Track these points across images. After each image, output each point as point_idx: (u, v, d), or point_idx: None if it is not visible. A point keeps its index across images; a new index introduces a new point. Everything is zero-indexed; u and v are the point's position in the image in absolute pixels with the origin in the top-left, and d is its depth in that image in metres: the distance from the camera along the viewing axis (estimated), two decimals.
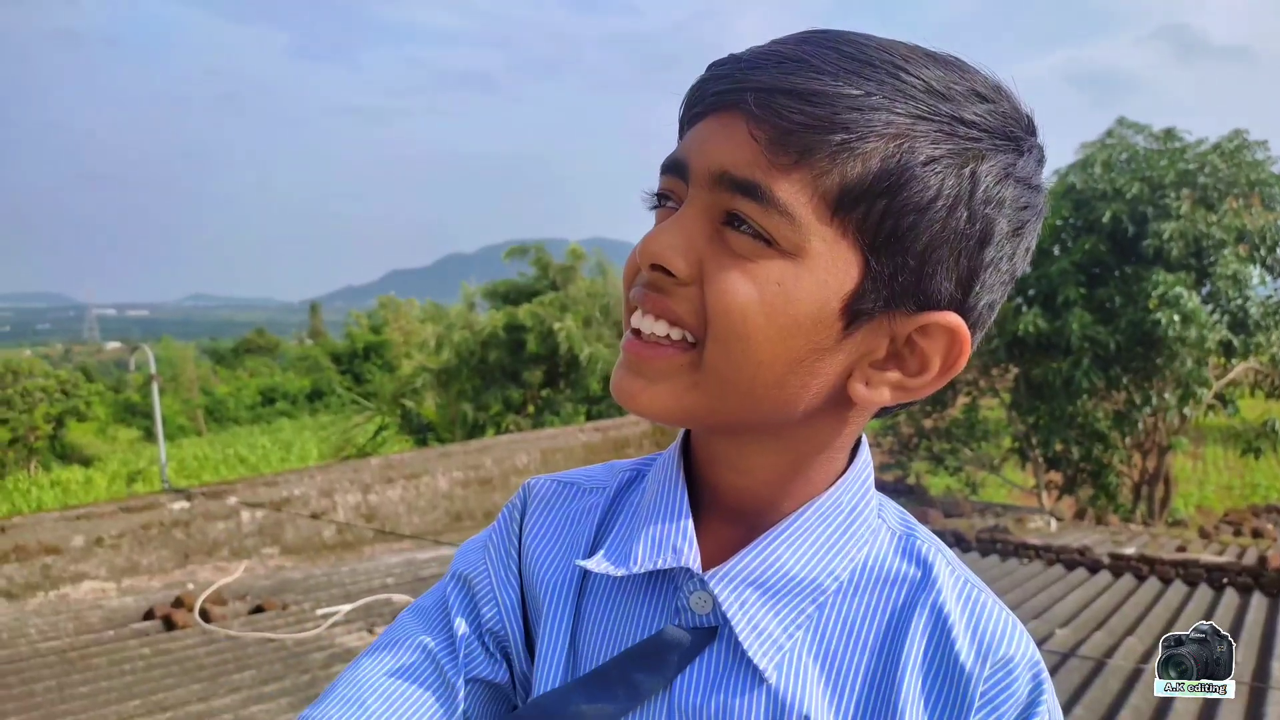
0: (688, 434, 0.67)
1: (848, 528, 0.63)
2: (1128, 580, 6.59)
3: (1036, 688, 0.60)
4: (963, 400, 12.46)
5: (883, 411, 0.64)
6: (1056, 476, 12.34)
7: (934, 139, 0.54)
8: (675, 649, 0.62)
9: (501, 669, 0.69)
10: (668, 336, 0.58)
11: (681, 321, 0.58)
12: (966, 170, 0.55)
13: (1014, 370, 11.85)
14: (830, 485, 0.64)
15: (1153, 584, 6.47)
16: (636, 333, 0.59)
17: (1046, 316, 10.81)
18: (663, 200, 0.61)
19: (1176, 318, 10.00)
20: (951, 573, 0.63)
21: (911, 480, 11.97)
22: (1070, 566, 7.02)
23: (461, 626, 0.68)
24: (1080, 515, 10.47)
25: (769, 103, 0.54)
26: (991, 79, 0.58)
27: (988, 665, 0.60)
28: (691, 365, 0.58)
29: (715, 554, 0.63)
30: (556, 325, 15.78)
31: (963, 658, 0.60)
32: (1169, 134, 11.45)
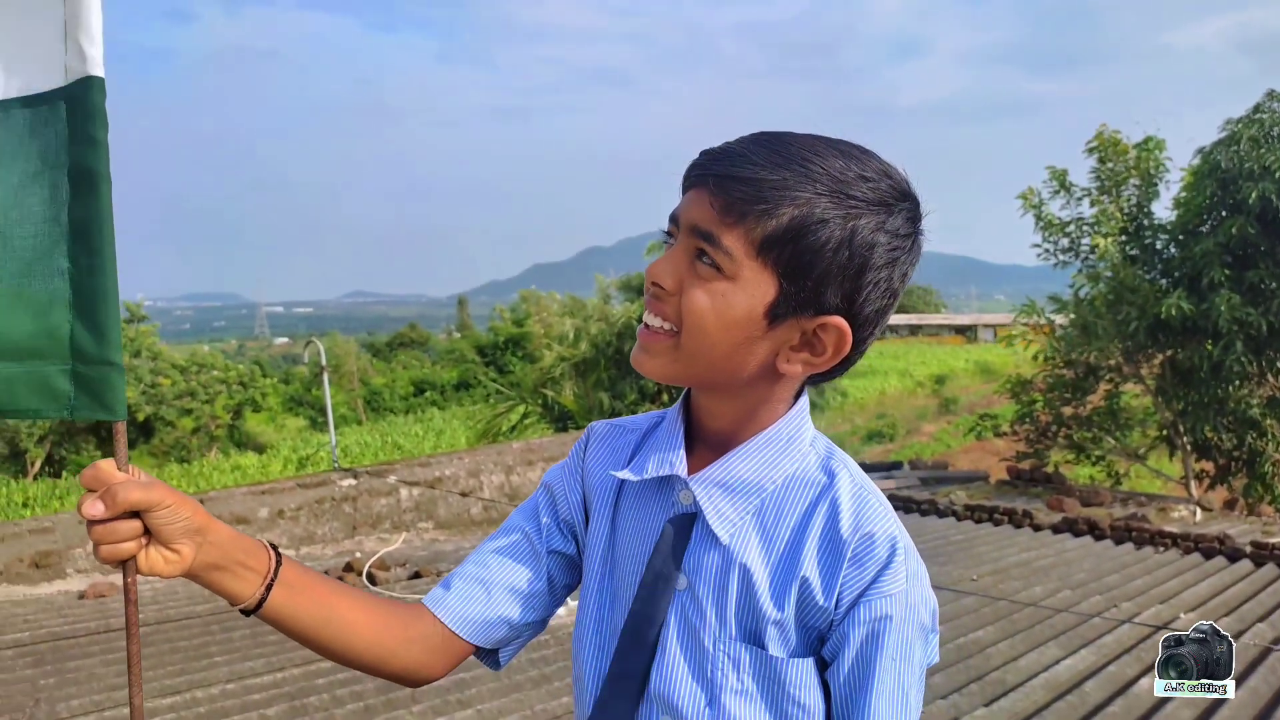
0: (688, 393, 1.03)
1: (782, 451, 0.97)
2: (1270, 570, 6.42)
3: (892, 552, 0.92)
4: (1104, 387, 12.07)
5: (810, 380, 0.98)
6: (1208, 465, 11.80)
7: (825, 207, 0.87)
8: (675, 535, 0.99)
9: (571, 545, 1.09)
10: (661, 328, 0.94)
11: (669, 318, 0.93)
12: (849, 226, 0.88)
13: (1158, 356, 11.40)
14: (772, 424, 0.98)
15: None
16: (646, 325, 0.96)
17: (1191, 299, 10.38)
18: (668, 237, 0.96)
19: None
20: (850, 480, 0.96)
21: (1050, 469, 11.68)
22: (1208, 555, 6.87)
23: (545, 517, 1.09)
24: (1231, 505, 10.03)
25: (721, 185, 0.89)
26: (879, 165, 0.91)
27: (857, 535, 0.92)
28: (675, 346, 0.93)
29: (699, 469, 0.99)
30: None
31: (844, 531, 0.93)
32: None
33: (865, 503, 0.94)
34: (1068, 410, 12.32)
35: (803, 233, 0.87)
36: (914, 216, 0.93)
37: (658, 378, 0.96)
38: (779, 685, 0.93)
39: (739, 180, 0.87)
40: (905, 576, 0.92)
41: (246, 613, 0.97)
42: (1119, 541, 7.41)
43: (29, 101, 1.11)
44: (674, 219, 0.94)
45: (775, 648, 0.94)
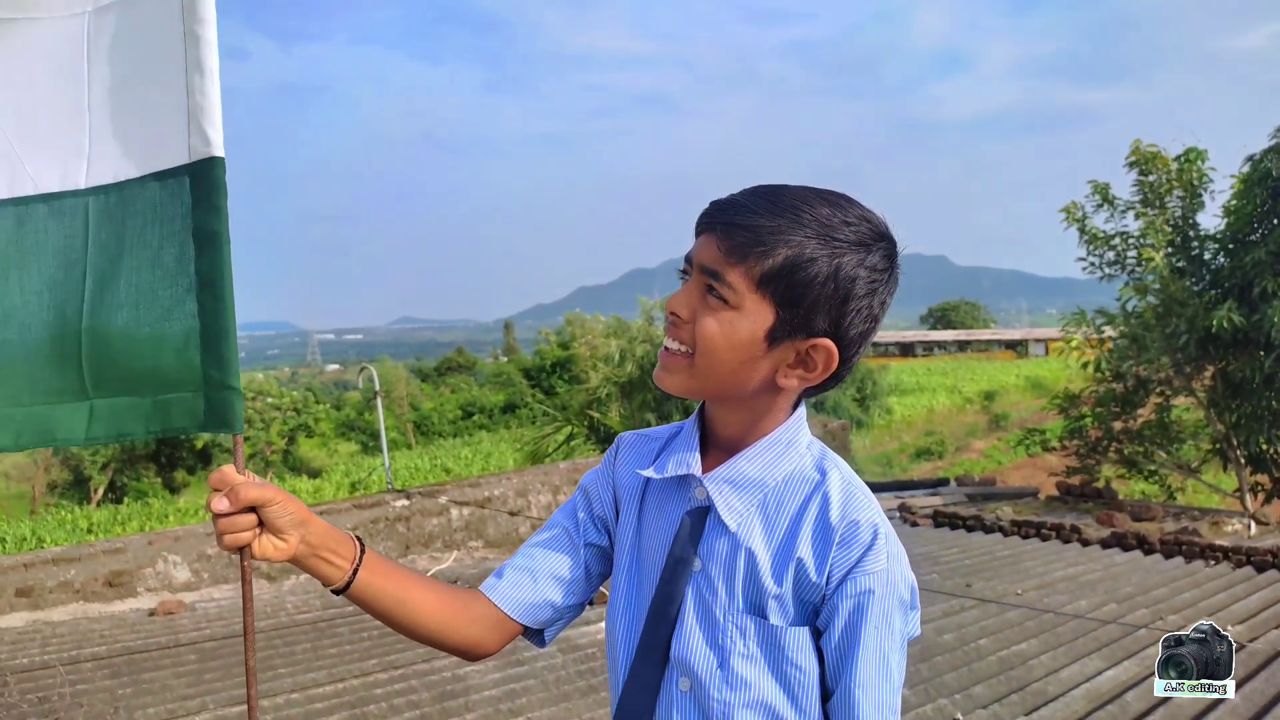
0: (703, 405, 1.19)
1: (782, 453, 1.13)
2: None
3: (874, 536, 1.08)
4: (1155, 400, 11.91)
5: (806, 392, 1.13)
6: (1263, 479, 11.57)
7: (814, 247, 1.03)
8: (692, 525, 1.15)
9: (604, 538, 1.26)
10: (679, 350, 1.11)
11: (685, 342, 1.10)
12: (834, 263, 1.04)
13: (1209, 368, 11.23)
14: (773, 430, 1.14)
15: None
16: (666, 349, 1.13)
17: (1242, 310, 10.23)
18: (684, 275, 1.13)
19: None
20: (839, 477, 1.12)
21: (1100, 484, 11.52)
22: (1260, 568, 6.78)
23: (582, 514, 1.26)
24: None
25: (726, 231, 1.05)
26: (859, 212, 1.07)
27: (844, 522, 1.08)
28: (690, 366, 1.10)
29: (712, 469, 1.15)
30: None
31: (833, 519, 1.08)
32: None
33: (851, 495, 1.10)
34: (1118, 425, 12.17)
35: (795, 269, 1.03)
36: (890, 254, 1.09)
37: (676, 392, 1.12)
38: (779, 650, 1.08)
39: (741, 227, 1.04)
40: (886, 557, 1.08)
41: (337, 592, 1.17)
42: (1169, 556, 7.35)
43: (160, 176, 1.36)
44: (688, 259, 1.11)
45: (776, 618, 1.09)
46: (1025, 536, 8.26)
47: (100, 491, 28.26)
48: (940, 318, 77.50)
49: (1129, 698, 3.96)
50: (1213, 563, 7.11)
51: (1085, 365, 11.93)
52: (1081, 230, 12.05)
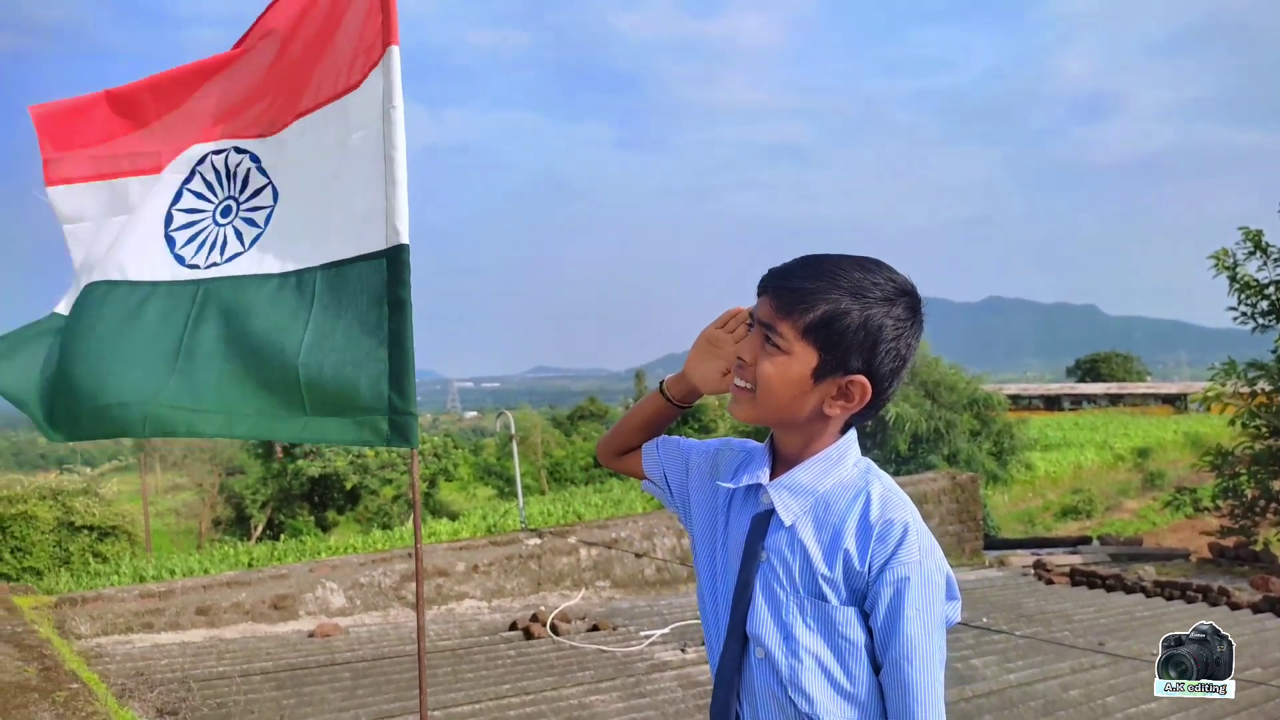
0: (773, 434, 1.46)
1: (832, 466, 1.39)
2: None
3: (905, 532, 1.31)
4: None
5: (851, 420, 1.39)
6: None
7: (847, 303, 1.30)
8: (759, 524, 1.41)
9: (676, 486, 1.61)
10: (744, 387, 1.39)
11: (748, 381, 1.38)
12: (864, 315, 1.30)
13: None
14: (824, 449, 1.40)
15: None
16: (735, 386, 1.41)
17: None
18: (750, 327, 1.41)
19: None
20: (880, 486, 1.37)
21: (1258, 547, 10.83)
22: None
23: (695, 460, 1.62)
24: None
25: (776, 292, 1.34)
26: (887, 273, 1.33)
27: (881, 520, 1.32)
28: (752, 399, 1.38)
29: (776, 478, 1.41)
30: None
31: (873, 518, 1.33)
32: None
33: (889, 500, 1.35)
34: (1277, 484, 11.45)
35: (833, 321, 1.30)
36: (913, 306, 1.35)
37: (743, 420, 1.41)
38: (832, 625, 1.33)
39: (789, 289, 1.33)
40: (918, 550, 1.31)
41: (679, 406, 1.63)
42: None
43: (366, 258, 1.88)
44: (751, 315, 1.41)
45: (829, 598, 1.33)
46: (1169, 598, 7.92)
47: (259, 529, 30.16)
48: (1089, 370, 73.75)
49: None
50: None
51: (1234, 421, 11.32)
52: (1232, 278, 11.53)
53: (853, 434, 1.43)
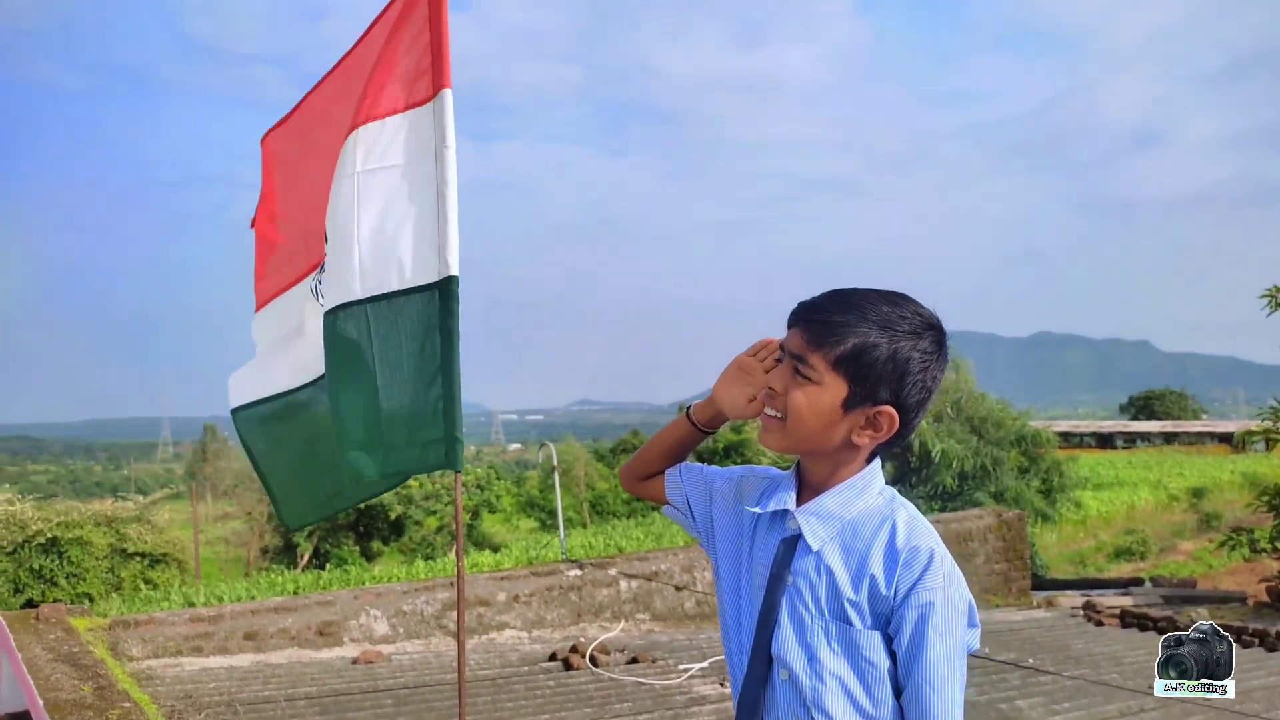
0: (799, 461, 1.49)
1: (858, 494, 1.43)
2: None
3: (931, 558, 1.35)
4: None
5: (878, 449, 1.43)
6: None
7: (875, 336, 1.35)
8: (786, 549, 1.44)
9: (701, 507, 1.64)
10: (775, 416, 1.44)
11: (779, 410, 1.43)
12: (892, 348, 1.35)
13: None
14: (850, 477, 1.43)
15: None
16: (765, 414, 1.45)
17: None
18: (779, 359, 1.45)
19: None
20: (905, 514, 1.40)
21: None
22: None
23: (718, 486, 1.64)
24: None
25: (808, 325, 1.39)
26: (913, 308, 1.38)
27: (907, 547, 1.36)
28: (783, 428, 1.43)
29: (803, 505, 1.45)
30: None
31: (899, 544, 1.37)
32: None
33: (914, 528, 1.39)
34: None
35: (862, 353, 1.35)
36: (939, 340, 1.39)
37: (774, 449, 1.45)
38: (856, 649, 1.36)
39: (819, 322, 1.38)
40: (943, 577, 1.35)
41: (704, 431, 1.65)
42: None
43: (421, 289, 2.04)
44: (781, 347, 1.46)
45: (854, 622, 1.37)
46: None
47: (305, 557, 30.48)
48: (1143, 407, 72.08)
49: None
50: None
51: None
52: None
53: (878, 462, 1.47)
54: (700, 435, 1.65)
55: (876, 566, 1.36)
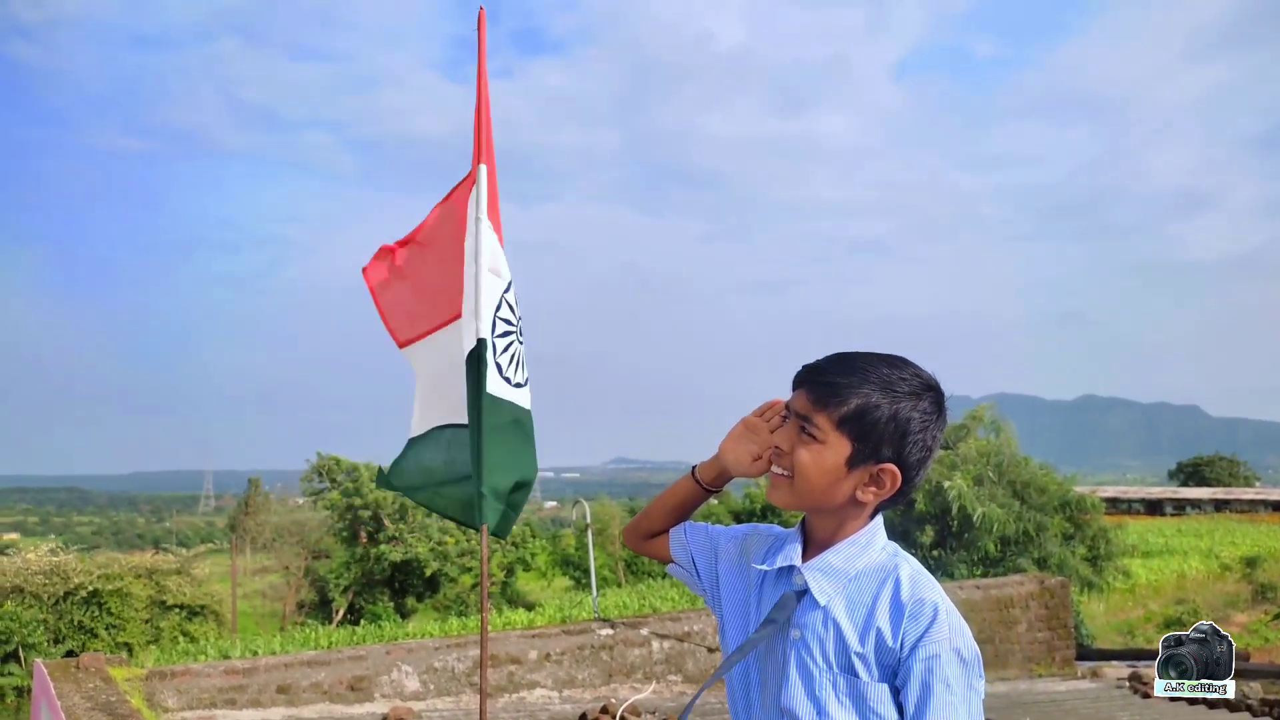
0: (805, 518, 1.54)
1: (862, 550, 1.47)
2: None
3: (936, 612, 1.38)
4: None
5: (881, 505, 1.47)
6: None
7: (877, 398, 1.40)
8: (792, 601, 1.48)
9: (705, 565, 1.66)
10: (782, 474, 1.49)
11: (787, 469, 1.48)
12: (893, 409, 1.40)
13: None
14: (855, 533, 1.48)
15: None
16: (774, 473, 1.50)
17: None
18: (785, 419, 1.50)
19: None
20: (909, 568, 1.44)
21: None
22: None
23: (724, 546, 1.67)
24: None
25: (813, 387, 1.45)
26: (913, 370, 1.44)
27: (913, 600, 1.39)
28: (790, 485, 1.48)
29: (809, 560, 1.48)
30: (946, 483, 15.78)
31: (904, 598, 1.40)
32: None
33: (918, 581, 1.43)
34: None
35: (864, 414, 1.41)
36: (938, 401, 1.46)
37: (782, 506, 1.50)
38: (863, 701, 1.39)
39: (824, 384, 1.44)
40: (948, 629, 1.38)
41: (708, 490, 1.68)
42: None
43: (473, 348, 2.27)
44: (788, 407, 1.51)
45: (861, 674, 1.40)
46: (1277, 718, 7.43)
47: (340, 612, 30.48)
48: (1192, 473, 70.22)
49: None
50: None
51: None
52: None
53: (880, 518, 1.51)
54: (705, 494, 1.69)
55: (883, 619, 1.40)
